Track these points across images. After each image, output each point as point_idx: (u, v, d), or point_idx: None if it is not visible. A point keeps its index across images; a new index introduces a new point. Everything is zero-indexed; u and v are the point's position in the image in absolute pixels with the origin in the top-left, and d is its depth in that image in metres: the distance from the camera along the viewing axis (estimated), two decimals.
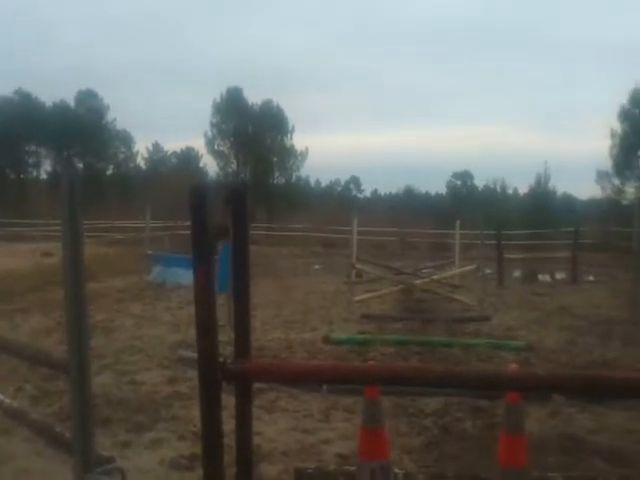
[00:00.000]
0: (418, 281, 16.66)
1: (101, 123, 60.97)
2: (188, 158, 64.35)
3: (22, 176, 60.28)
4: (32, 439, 5.73)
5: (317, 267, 28.23)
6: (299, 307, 15.18)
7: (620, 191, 49.60)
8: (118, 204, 44.78)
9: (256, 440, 4.71)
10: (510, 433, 4.52)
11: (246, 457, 3.98)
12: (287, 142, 59.93)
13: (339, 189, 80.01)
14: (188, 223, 3.66)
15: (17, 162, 59.62)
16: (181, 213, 21.15)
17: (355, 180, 79.56)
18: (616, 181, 49.74)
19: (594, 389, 3.79)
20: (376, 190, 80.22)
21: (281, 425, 6.80)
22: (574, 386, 3.59)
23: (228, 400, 3.88)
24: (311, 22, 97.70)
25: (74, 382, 3.60)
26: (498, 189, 62.95)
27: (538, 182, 52.05)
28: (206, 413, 3.67)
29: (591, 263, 26.48)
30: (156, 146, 65.93)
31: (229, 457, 3.92)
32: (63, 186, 3.55)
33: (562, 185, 77.48)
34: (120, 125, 61.80)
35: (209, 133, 59.30)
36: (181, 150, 65.33)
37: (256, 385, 5.79)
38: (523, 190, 59.75)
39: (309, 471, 4.82)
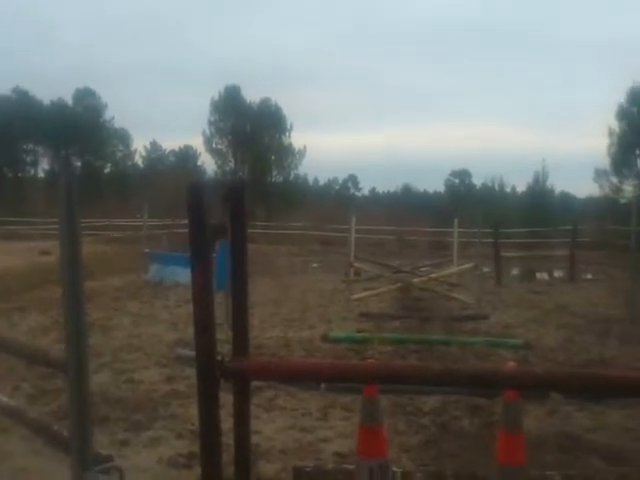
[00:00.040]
0: (416, 279, 16.67)
1: (99, 121, 60.88)
2: (186, 156, 64.31)
3: (20, 174, 60.21)
4: (30, 438, 5.72)
5: (315, 265, 28.25)
6: (297, 305, 15.19)
7: (618, 189, 49.64)
8: (116, 202, 44.76)
9: (254, 438, 4.71)
10: (508, 431, 4.52)
11: (244, 455, 3.97)
12: (285, 140, 59.92)
13: (337, 187, 79.98)
14: (186, 221, 3.65)
15: (15, 160, 59.56)
16: (179, 211, 21.13)
17: (353, 178, 79.58)
18: (614, 179, 49.81)
19: (592, 387, 3.78)
20: (374, 188, 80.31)
21: (279, 423, 6.80)
22: (572, 384, 3.59)
23: (226, 398, 3.87)
24: (309, 21, 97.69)
25: (72, 381, 3.59)
26: (496, 187, 62.84)
27: (536, 180, 52.05)
28: (204, 411, 3.66)
29: (589, 261, 26.51)
30: (154, 144, 65.92)
31: (227, 455, 3.91)
32: (60, 184, 3.54)
33: (560, 183, 77.39)
34: (118, 123, 61.81)
35: (207, 131, 59.32)
36: (179, 148, 65.37)
37: (254, 383, 5.80)
38: (521, 188, 59.76)
39: (307, 470, 4.82)
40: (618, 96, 49.73)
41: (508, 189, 63.99)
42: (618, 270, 21.45)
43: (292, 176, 61.33)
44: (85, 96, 60.87)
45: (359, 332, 11.73)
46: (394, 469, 4.86)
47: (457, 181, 73.20)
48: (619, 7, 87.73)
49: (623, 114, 49.32)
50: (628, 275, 14.04)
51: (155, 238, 26.48)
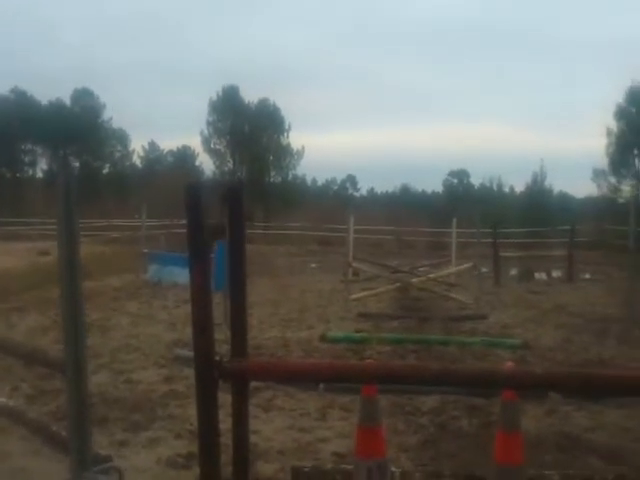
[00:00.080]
0: (414, 279, 16.68)
1: (97, 122, 60.86)
2: (184, 157, 64.28)
3: (18, 175, 60.16)
4: (28, 438, 5.72)
5: (314, 266, 28.25)
6: (296, 306, 15.19)
7: (616, 189, 49.70)
8: (114, 203, 44.78)
9: (253, 439, 4.71)
10: (506, 431, 4.52)
11: (243, 456, 3.98)
12: (283, 140, 59.89)
13: (335, 188, 79.95)
14: (184, 222, 3.66)
15: (13, 161, 59.52)
16: (177, 212, 21.15)
17: (351, 179, 79.57)
18: (612, 179, 49.89)
19: (590, 387, 3.79)
20: (372, 189, 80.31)
21: (278, 424, 6.80)
22: (570, 384, 3.59)
23: (225, 399, 3.88)
24: (308, 21, 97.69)
25: (70, 381, 3.59)
26: (494, 187, 62.87)
27: (534, 180, 52.11)
28: (203, 412, 3.66)
29: (587, 261, 26.52)
30: (152, 145, 65.90)
31: (226, 456, 3.91)
32: (59, 185, 3.54)
33: (558, 183, 77.71)
34: (116, 124, 61.81)
35: (205, 132, 59.29)
36: (177, 149, 65.34)
37: (253, 384, 5.79)
38: (519, 188, 59.81)
39: (306, 470, 4.82)
40: (617, 96, 49.87)
41: (506, 189, 64.07)
42: (616, 270, 21.48)
43: (290, 176, 61.34)
44: (83, 96, 60.86)
45: (358, 332, 11.73)
46: (393, 469, 4.87)
47: (455, 181, 73.24)
48: (618, 7, 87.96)
49: (621, 114, 49.37)
50: (626, 275, 14.06)
51: (153, 238, 26.49)
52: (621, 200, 46.71)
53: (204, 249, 3.64)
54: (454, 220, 21.62)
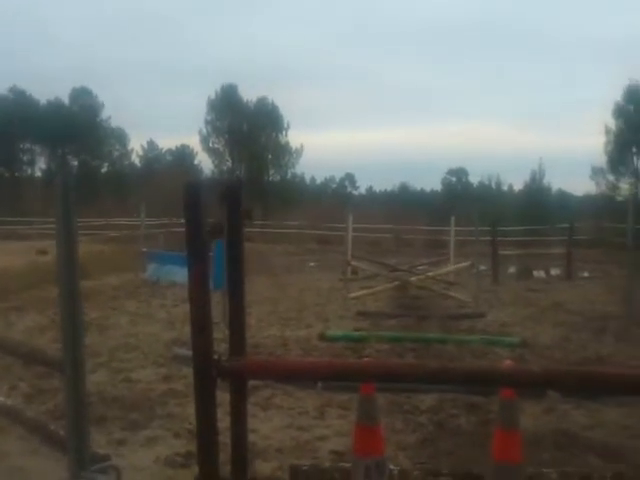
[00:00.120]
0: (413, 278, 16.69)
1: (96, 121, 60.84)
2: (183, 155, 64.27)
3: (17, 174, 60.14)
4: (26, 437, 5.71)
5: (312, 264, 28.26)
6: (294, 304, 15.19)
7: (614, 187, 49.80)
8: (113, 202, 44.74)
9: (251, 437, 4.71)
10: (505, 429, 4.52)
11: (241, 454, 3.98)
12: (282, 139, 59.94)
13: (334, 186, 79.86)
14: (183, 221, 3.66)
15: (12, 160, 59.47)
16: (176, 211, 21.12)
17: (350, 177, 79.46)
18: (610, 177, 50.00)
19: (589, 385, 3.80)
20: (371, 187, 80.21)
21: (276, 422, 6.80)
22: (569, 382, 3.60)
23: (223, 397, 3.88)
24: (307, 20, 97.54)
25: (68, 380, 3.60)
26: (493, 185, 62.95)
27: (533, 178, 52.19)
28: (201, 410, 3.67)
29: (586, 259, 26.54)
30: (151, 143, 65.93)
31: (224, 454, 3.92)
32: (57, 184, 3.55)
33: (557, 181, 77.79)
34: (115, 123, 61.82)
35: (204, 130, 59.32)
36: (176, 147, 65.36)
37: (251, 382, 5.79)
38: (518, 186, 59.91)
39: (304, 468, 4.82)
40: (615, 94, 49.94)
41: (505, 187, 64.17)
42: (615, 268, 21.47)
43: (289, 175, 61.40)
44: (82, 95, 60.84)
45: (356, 331, 11.73)
46: (391, 467, 4.87)
47: (454, 179, 73.21)
48: (617, 7, 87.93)
49: (620, 112, 49.45)
50: (625, 273, 14.06)
51: (152, 237, 26.47)
52: (619, 198, 46.81)
53: (203, 248, 3.64)
54: (452, 218, 21.59)
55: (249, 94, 58.95)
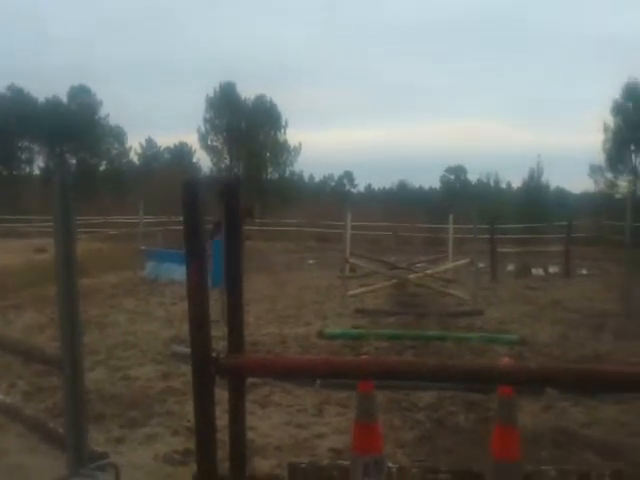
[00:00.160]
0: (412, 275, 16.68)
1: (94, 119, 60.80)
2: (181, 153, 64.21)
3: (15, 172, 60.06)
4: (26, 435, 5.72)
5: (311, 262, 28.24)
6: (293, 302, 15.19)
7: (613, 185, 49.78)
8: (111, 200, 44.65)
9: (250, 435, 4.71)
10: (503, 427, 4.52)
11: (240, 452, 3.98)
12: (280, 137, 59.92)
13: (333, 184, 79.82)
14: (181, 218, 3.66)
15: (10, 158, 59.41)
16: (174, 208, 21.13)
17: (349, 175, 79.43)
18: (609, 175, 50.00)
19: (587, 382, 3.80)
20: (370, 185, 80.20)
21: (275, 420, 6.81)
22: (567, 380, 3.60)
23: (222, 395, 3.88)
24: (304, 17, 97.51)
25: (67, 378, 3.60)
26: (491, 183, 62.98)
27: (531, 176, 52.12)
28: (200, 408, 3.67)
29: (584, 257, 26.55)
30: (149, 141, 65.92)
31: (223, 452, 3.92)
32: (56, 182, 3.54)
33: (555, 179, 77.56)
34: (113, 121, 61.81)
35: (202, 128, 59.28)
36: (174, 145, 65.29)
37: (250, 380, 5.80)
38: (516, 184, 59.81)
39: (303, 466, 4.82)
40: (613, 92, 49.93)
41: (503, 185, 64.18)
42: (613, 265, 21.49)
43: (287, 173, 61.40)
44: (80, 93, 60.79)
45: (355, 328, 11.74)
46: (389, 465, 4.87)
47: (452, 177, 73.28)
48: (616, 6, 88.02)
49: (618, 109, 49.44)
50: (623, 270, 14.08)
51: (151, 235, 26.48)
52: (618, 196, 46.81)
53: (201, 246, 3.64)
54: (451, 216, 21.61)
55: (247, 92, 59.01)
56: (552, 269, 26.28)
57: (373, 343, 10.30)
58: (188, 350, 3.83)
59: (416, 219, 39.63)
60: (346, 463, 4.74)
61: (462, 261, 17.73)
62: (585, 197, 52.85)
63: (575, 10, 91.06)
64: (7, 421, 6.00)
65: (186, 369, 6.03)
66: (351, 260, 17.37)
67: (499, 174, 62.43)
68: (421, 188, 73.56)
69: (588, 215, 41.02)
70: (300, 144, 59.60)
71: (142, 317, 12.95)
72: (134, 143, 64.48)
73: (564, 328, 11.93)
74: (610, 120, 49.38)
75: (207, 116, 59.03)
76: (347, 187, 79.45)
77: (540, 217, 39.25)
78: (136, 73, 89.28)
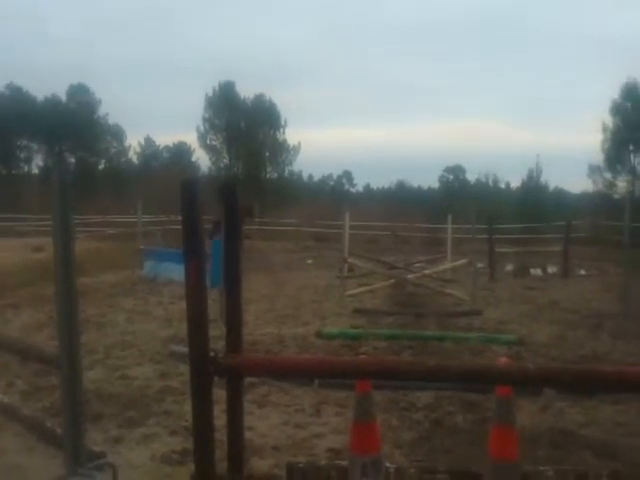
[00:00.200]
0: (410, 275, 16.69)
1: (93, 118, 60.77)
2: (180, 152, 64.15)
3: (13, 171, 59.99)
4: (23, 434, 5.72)
5: (309, 261, 28.24)
6: (291, 302, 15.18)
7: (612, 185, 49.77)
8: (110, 199, 44.57)
9: (248, 435, 4.71)
10: (501, 427, 4.52)
11: (237, 452, 3.98)
12: (279, 136, 59.86)
13: (331, 184, 79.79)
14: (180, 218, 3.66)
15: (8, 157, 59.35)
16: (173, 208, 21.13)
17: (347, 174, 79.41)
18: (608, 175, 49.94)
19: (585, 383, 3.80)
20: (368, 184, 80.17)
21: (273, 420, 6.81)
22: (565, 380, 3.61)
23: (220, 395, 3.88)
24: (303, 17, 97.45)
25: (65, 377, 3.59)
26: (490, 183, 63.00)
27: (530, 176, 52.05)
28: (198, 408, 3.67)
29: (583, 257, 26.57)
30: (148, 140, 65.80)
31: (221, 452, 3.92)
32: (54, 181, 3.54)
33: (554, 179, 77.64)
34: (112, 119, 61.75)
35: (201, 127, 59.19)
36: (173, 144, 65.22)
37: (248, 379, 5.80)
38: (515, 184, 59.79)
39: (300, 466, 4.81)
40: (612, 92, 49.93)
41: (502, 185, 64.23)
42: (612, 266, 21.52)
43: (286, 172, 61.34)
44: (79, 92, 60.74)
45: (353, 328, 11.74)
46: (387, 465, 4.87)
47: (451, 177, 73.26)
48: (616, 5, 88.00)
49: (617, 109, 49.42)
50: (621, 270, 14.08)
51: (149, 234, 26.46)
52: (616, 196, 46.83)
53: (200, 246, 3.64)
54: (450, 216, 21.61)
55: (247, 91, 58.95)
56: (550, 269, 26.31)
57: (371, 343, 10.31)
58: (186, 350, 3.83)
59: (415, 219, 39.60)
60: (344, 463, 4.74)
61: (461, 261, 17.73)
62: (584, 197, 52.86)
63: (575, 10, 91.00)
64: (5, 420, 6.00)
65: (184, 369, 6.02)
66: (350, 260, 17.37)
67: (498, 174, 62.57)
68: (420, 188, 73.63)
69: (587, 215, 41.00)
70: (299, 143, 59.66)
71: (140, 316, 12.94)
72: (133, 142, 64.54)
73: (562, 328, 11.93)
74: (609, 120, 49.44)
75: (206, 115, 59.00)
76: (346, 187, 79.46)
77: (539, 217, 39.25)
78: (135, 72, 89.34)
